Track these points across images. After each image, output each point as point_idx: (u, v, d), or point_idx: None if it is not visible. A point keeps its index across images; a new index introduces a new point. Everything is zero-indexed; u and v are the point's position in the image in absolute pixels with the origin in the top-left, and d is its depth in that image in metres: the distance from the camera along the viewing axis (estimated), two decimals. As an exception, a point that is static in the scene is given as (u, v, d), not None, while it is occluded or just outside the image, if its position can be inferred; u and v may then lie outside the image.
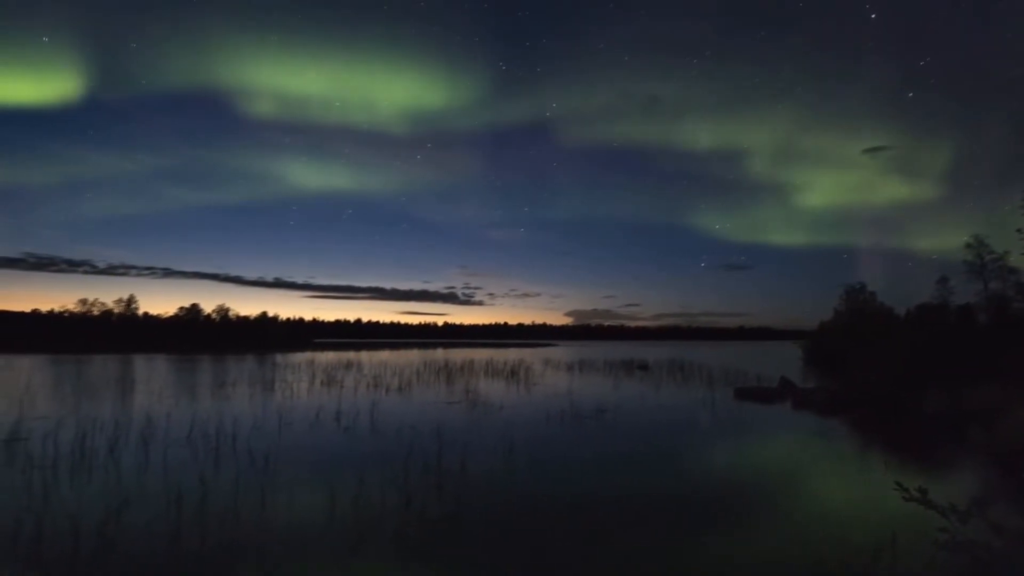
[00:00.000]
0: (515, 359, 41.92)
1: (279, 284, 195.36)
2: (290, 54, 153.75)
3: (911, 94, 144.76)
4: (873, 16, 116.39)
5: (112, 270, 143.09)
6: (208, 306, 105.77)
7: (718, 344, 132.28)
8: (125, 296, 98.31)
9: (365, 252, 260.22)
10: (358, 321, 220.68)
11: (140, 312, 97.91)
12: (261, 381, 22.09)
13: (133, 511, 5.87)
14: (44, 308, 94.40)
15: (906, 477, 7.29)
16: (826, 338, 37.98)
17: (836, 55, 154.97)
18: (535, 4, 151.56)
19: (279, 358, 44.25)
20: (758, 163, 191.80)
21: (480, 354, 53.06)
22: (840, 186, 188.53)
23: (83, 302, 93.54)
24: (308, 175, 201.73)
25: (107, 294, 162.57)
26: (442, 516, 5.81)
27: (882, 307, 40.63)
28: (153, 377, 24.12)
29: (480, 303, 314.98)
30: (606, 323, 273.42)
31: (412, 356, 47.98)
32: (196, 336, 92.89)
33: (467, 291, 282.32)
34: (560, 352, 65.22)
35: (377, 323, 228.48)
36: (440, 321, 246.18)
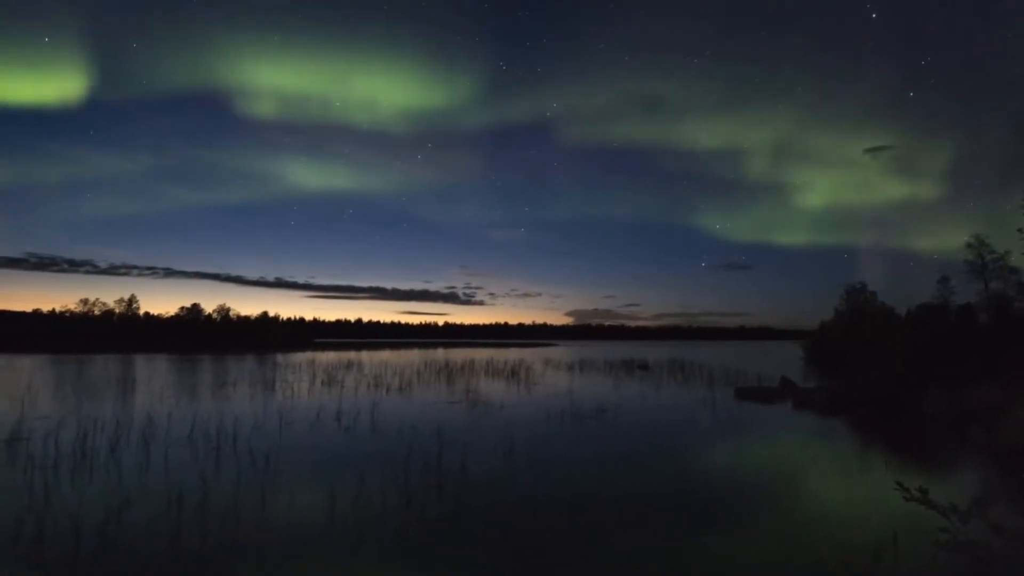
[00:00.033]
0: (515, 359, 41.92)
1: (280, 284, 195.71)
2: (290, 54, 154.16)
3: (912, 94, 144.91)
4: (874, 16, 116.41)
5: (113, 270, 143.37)
6: (209, 306, 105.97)
7: (718, 344, 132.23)
8: (126, 296, 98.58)
9: (366, 252, 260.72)
10: (359, 321, 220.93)
11: (141, 312, 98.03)
12: (262, 381, 22.10)
13: (134, 511, 5.87)
14: (45, 308, 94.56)
15: (907, 477, 7.29)
16: (827, 338, 37.94)
17: (836, 55, 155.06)
18: (535, 4, 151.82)
19: (280, 358, 44.27)
20: (758, 163, 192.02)
21: (480, 354, 53.07)
22: (840, 186, 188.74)
23: (84, 302, 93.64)
24: (308, 175, 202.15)
25: (108, 294, 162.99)
26: (442, 516, 5.81)
27: (883, 307, 40.58)
28: (154, 377, 24.14)
29: (481, 303, 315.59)
30: (606, 323, 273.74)
31: (413, 356, 48.00)
32: (197, 336, 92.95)
33: (468, 291, 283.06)
34: (560, 352, 65.22)
35: (378, 323, 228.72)
36: (441, 321, 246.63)
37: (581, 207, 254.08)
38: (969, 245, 29.66)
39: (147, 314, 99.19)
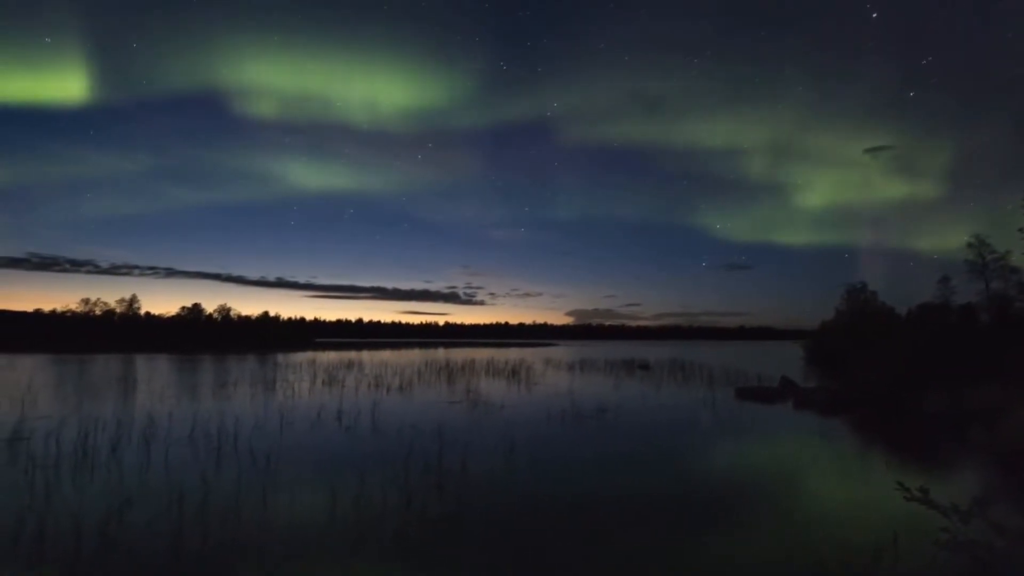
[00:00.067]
0: (516, 359, 41.93)
1: (281, 284, 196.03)
2: (290, 54, 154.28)
3: (912, 93, 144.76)
4: (874, 16, 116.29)
5: (115, 270, 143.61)
6: (210, 306, 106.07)
7: (719, 344, 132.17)
8: (127, 296, 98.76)
9: (366, 252, 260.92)
10: (359, 321, 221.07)
11: (142, 312, 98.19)
12: (262, 381, 22.12)
13: (135, 510, 5.88)
14: (47, 308, 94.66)
15: (907, 477, 7.29)
16: (827, 338, 37.93)
17: (836, 55, 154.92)
18: (535, 4, 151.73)
19: (281, 358, 44.29)
20: (759, 163, 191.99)
21: (481, 354, 53.07)
22: (841, 186, 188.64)
23: (85, 302, 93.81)
24: (309, 175, 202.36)
25: (109, 294, 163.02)
26: (443, 516, 5.81)
27: (883, 307, 40.56)
28: (155, 377, 24.17)
29: (481, 303, 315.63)
30: (607, 323, 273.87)
31: (413, 356, 48.02)
32: (198, 336, 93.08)
33: (468, 291, 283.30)
34: (561, 352, 65.22)
35: (379, 323, 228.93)
36: (441, 321, 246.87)
37: (582, 207, 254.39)
38: (970, 245, 29.66)
39: (148, 314, 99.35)
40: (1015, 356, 15.54)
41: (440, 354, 52.62)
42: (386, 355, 49.36)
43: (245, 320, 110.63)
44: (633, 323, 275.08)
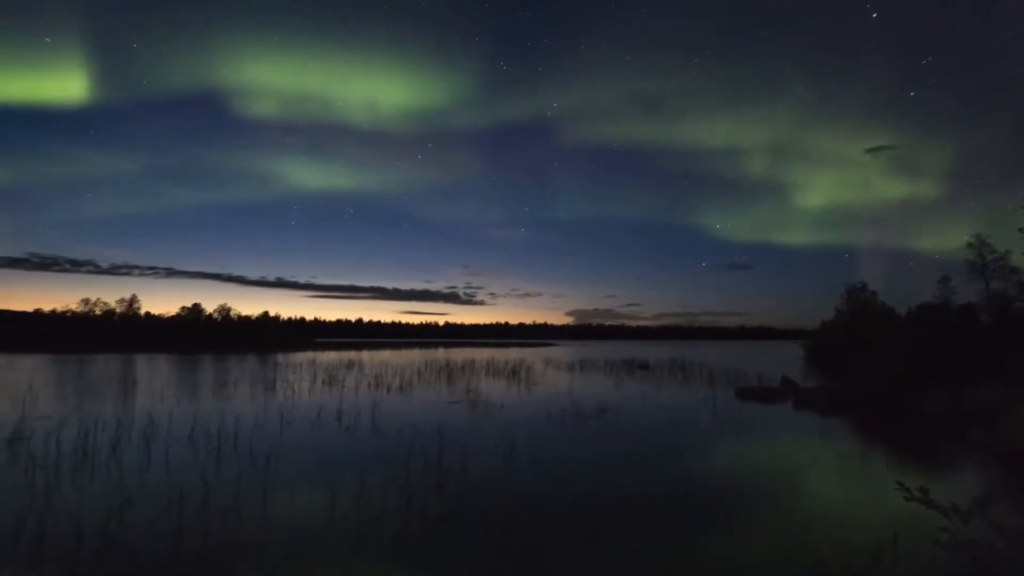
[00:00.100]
0: (516, 359, 41.93)
1: (281, 284, 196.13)
2: (290, 54, 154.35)
3: (912, 93, 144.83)
4: (874, 16, 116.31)
5: (115, 270, 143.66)
6: (210, 306, 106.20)
7: (719, 344, 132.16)
8: (127, 296, 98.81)
9: (367, 252, 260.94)
10: (360, 321, 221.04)
11: (142, 312, 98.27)
12: (262, 381, 22.12)
13: (135, 510, 5.88)
14: (47, 308, 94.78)
15: (908, 477, 7.28)
16: (827, 338, 37.93)
17: (837, 55, 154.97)
18: (535, 4, 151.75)
19: (281, 358, 44.29)
20: (759, 163, 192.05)
21: (481, 354, 53.08)
22: (841, 185, 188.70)
23: (85, 302, 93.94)
24: (309, 175, 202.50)
25: (109, 294, 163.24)
26: (443, 516, 5.81)
27: (883, 306, 40.57)
28: (155, 377, 24.17)
29: (481, 303, 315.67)
30: (607, 323, 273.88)
31: (413, 356, 48.02)
32: (198, 336, 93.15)
33: (468, 291, 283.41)
34: (561, 352, 65.22)
35: (379, 323, 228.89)
36: (441, 321, 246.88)
37: (582, 207, 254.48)
38: (970, 245, 29.68)
39: (148, 314, 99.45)
40: (1015, 356, 15.53)
41: (440, 354, 52.62)
42: (386, 355, 49.36)
43: (245, 320, 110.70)
44: (633, 323, 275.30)
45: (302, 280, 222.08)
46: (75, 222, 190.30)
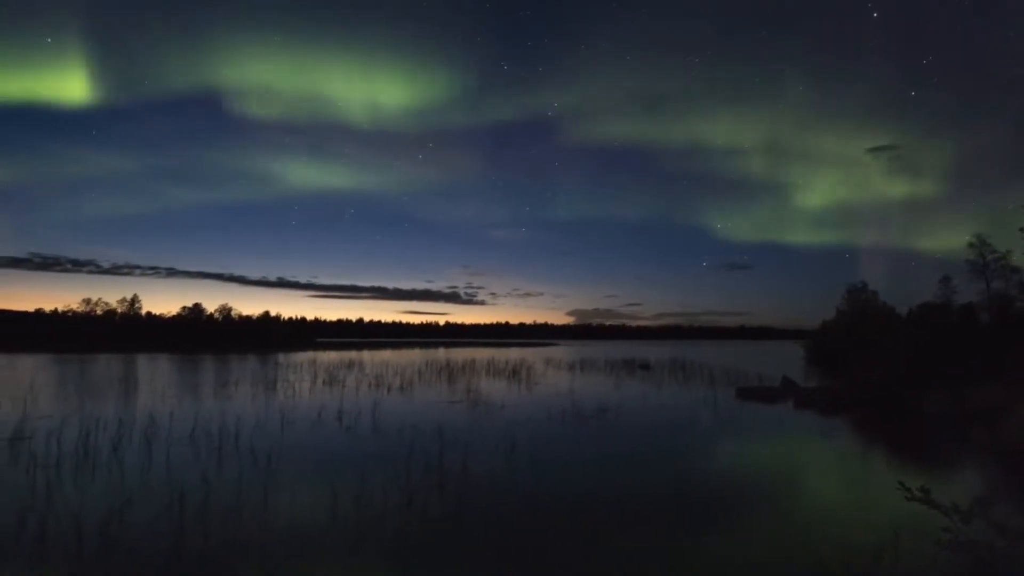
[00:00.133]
0: (517, 358, 41.94)
1: (282, 284, 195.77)
2: (290, 54, 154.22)
3: (913, 93, 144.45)
4: (875, 15, 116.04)
5: (116, 270, 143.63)
6: (211, 306, 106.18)
7: (719, 343, 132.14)
8: (128, 296, 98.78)
9: (368, 252, 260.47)
10: (360, 321, 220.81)
11: (143, 312, 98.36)
12: (263, 380, 22.14)
13: (136, 510, 5.89)
14: (48, 308, 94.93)
15: (908, 477, 7.27)
16: (828, 337, 37.86)
17: (837, 54, 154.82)
18: (536, 4, 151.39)
19: (281, 357, 44.33)
20: (759, 162, 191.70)
21: (482, 354, 53.09)
22: (842, 185, 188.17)
23: (87, 302, 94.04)
24: (309, 175, 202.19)
25: (111, 294, 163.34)
26: (443, 516, 5.82)
27: (884, 306, 40.49)
28: (156, 376, 24.20)
29: (482, 303, 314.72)
30: (607, 323, 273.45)
31: (414, 355, 48.04)
32: (199, 336, 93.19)
33: (469, 291, 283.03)
34: (562, 351, 65.22)
35: (379, 323, 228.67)
36: (442, 321, 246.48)
37: (582, 207, 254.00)
38: (971, 244, 29.64)
39: (149, 314, 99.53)
40: (1016, 356, 15.52)
41: (441, 354, 52.65)
42: (387, 355, 49.39)
43: (246, 320, 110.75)
44: (634, 323, 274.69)
45: (303, 280, 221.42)
46: (76, 222, 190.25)
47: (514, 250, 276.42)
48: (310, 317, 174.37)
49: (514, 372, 27.00)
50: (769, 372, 25.80)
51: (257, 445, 9.28)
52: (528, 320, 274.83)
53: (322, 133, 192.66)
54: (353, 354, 50.01)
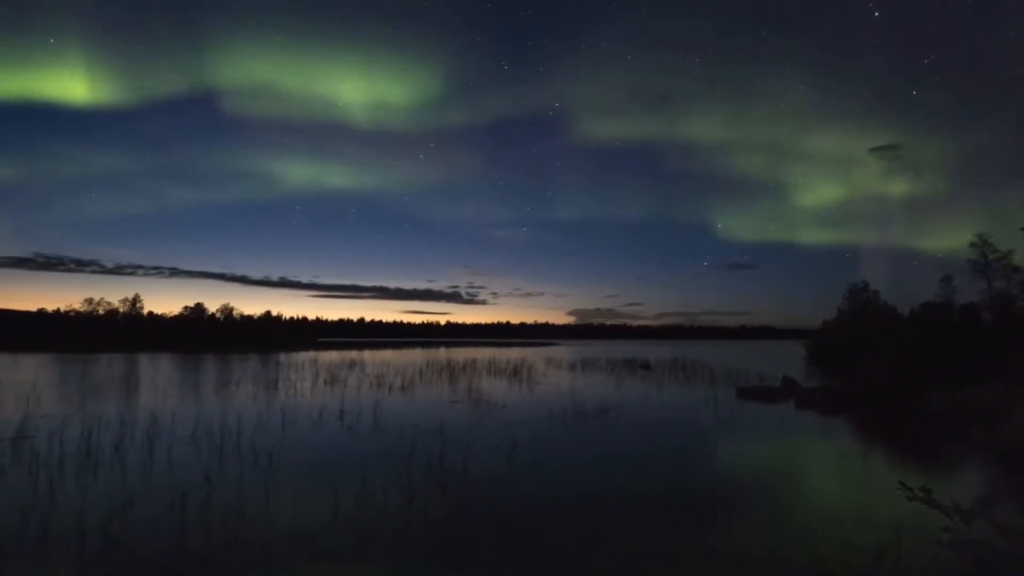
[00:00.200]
0: (518, 358, 41.95)
1: (283, 284, 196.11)
2: (290, 54, 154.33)
3: (914, 92, 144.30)
4: (876, 14, 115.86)
5: (119, 270, 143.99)
6: (213, 305, 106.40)
7: (720, 343, 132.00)
8: (131, 296, 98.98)
9: (369, 252, 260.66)
10: (362, 320, 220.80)
11: (145, 311, 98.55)
12: (265, 380, 22.17)
13: (138, 509, 5.91)
14: (50, 307, 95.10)
15: (909, 476, 7.27)
16: (829, 337, 37.81)
17: (837, 54, 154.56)
18: (536, 4, 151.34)
19: (283, 357, 44.39)
20: (760, 162, 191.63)
21: (483, 353, 53.11)
22: (843, 185, 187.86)
23: (89, 301, 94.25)
24: (310, 175, 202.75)
25: (113, 293, 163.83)
26: (444, 515, 5.83)
27: (885, 306, 40.45)
28: (158, 376, 24.24)
29: (483, 302, 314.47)
30: (608, 322, 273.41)
31: (415, 355, 48.07)
32: (201, 335, 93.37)
33: (470, 290, 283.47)
34: (563, 351, 65.21)
35: (381, 322, 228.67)
36: (443, 320, 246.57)
37: (583, 206, 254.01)
38: (972, 244, 29.63)
39: (151, 313, 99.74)
40: (1017, 356, 15.49)
41: (442, 353, 52.67)
42: (388, 354, 49.42)
43: (248, 320, 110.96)
44: (635, 322, 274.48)
45: (305, 280, 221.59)
46: (78, 222, 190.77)
47: (515, 250, 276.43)
48: (311, 317, 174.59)
49: (515, 372, 27.01)
50: (770, 372, 25.77)
51: (259, 445, 9.29)
52: (529, 320, 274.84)
53: (322, 133, 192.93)
54: (354, 354, 50.06)
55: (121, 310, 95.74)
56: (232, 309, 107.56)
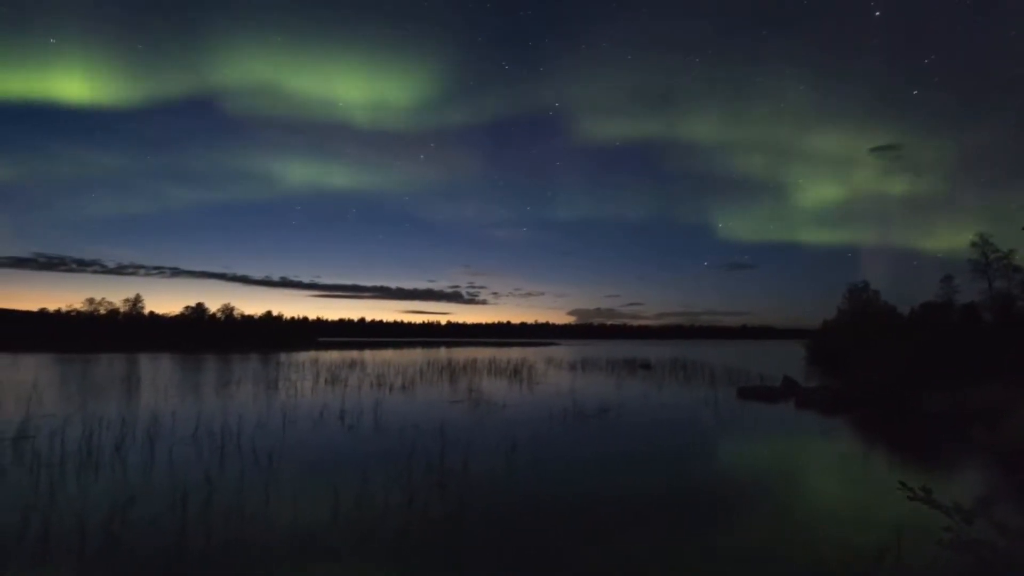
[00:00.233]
0: (518, 358, 41.95)
1: (284, 284, 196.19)
2: (290, 54, 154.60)
3: (915, 92, 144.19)
4: (876, 14, 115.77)
5: (120, 270, 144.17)
6: (214, 305, 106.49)
7: (721, 343, 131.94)
8: (132, 296, 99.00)
9: (370, 252, 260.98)
10: (362, 320, 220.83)
11: (146, 311, 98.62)
12: (266, 380, 22.18)
13: (139, 508, 5.92)
14: (52, 307, 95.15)
15: (910, 476, 7.27)
16: (829, 337, 37.80)
17: (837, 54, 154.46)
18: (536, 4, 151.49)
19: (284, 357, 44.40)
20: (761, 162, 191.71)
21: (483, 353, 53.11)
22: (843, 184, 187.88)
23: (90, 301, 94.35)
24: (310, 175, 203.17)
25: (114, 293, 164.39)
26: (445, 515, 5.83)
27: (886, 306, 40.44)
28: (159, 376, 24.26)
29: (484, 302, 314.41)
30: (609, 322, 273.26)
31: (416, 355, 48.08)
32: (202, 335, 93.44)
33: (471, 290, 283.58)
34: (563, 351, 65.20)
35: (381, 322, 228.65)
36: (444, 320, 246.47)
37: (584, 206, 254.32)
38: (973, 244, 29.62)
39: (152, 313, 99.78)
40: (1018, 355, 15.48)
41: (442, 353, 52.68)
42: (389, 354, 49.43)
43: (249, 319, 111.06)
44: (635, 322, 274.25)
45: (306, 280, 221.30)
46: (78, 222, 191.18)
47: (515, 250, 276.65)
48: (312, 317, 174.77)
49: (515, 372, 27.01)
50: (770, 372, 25.76)
51: (259, 444, 9.30)
52: (529, 320, 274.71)
53: (323, 133, 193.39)
54: (355, 354, 50.07)
55: (122, 310, 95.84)
56: (233, 309, 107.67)
